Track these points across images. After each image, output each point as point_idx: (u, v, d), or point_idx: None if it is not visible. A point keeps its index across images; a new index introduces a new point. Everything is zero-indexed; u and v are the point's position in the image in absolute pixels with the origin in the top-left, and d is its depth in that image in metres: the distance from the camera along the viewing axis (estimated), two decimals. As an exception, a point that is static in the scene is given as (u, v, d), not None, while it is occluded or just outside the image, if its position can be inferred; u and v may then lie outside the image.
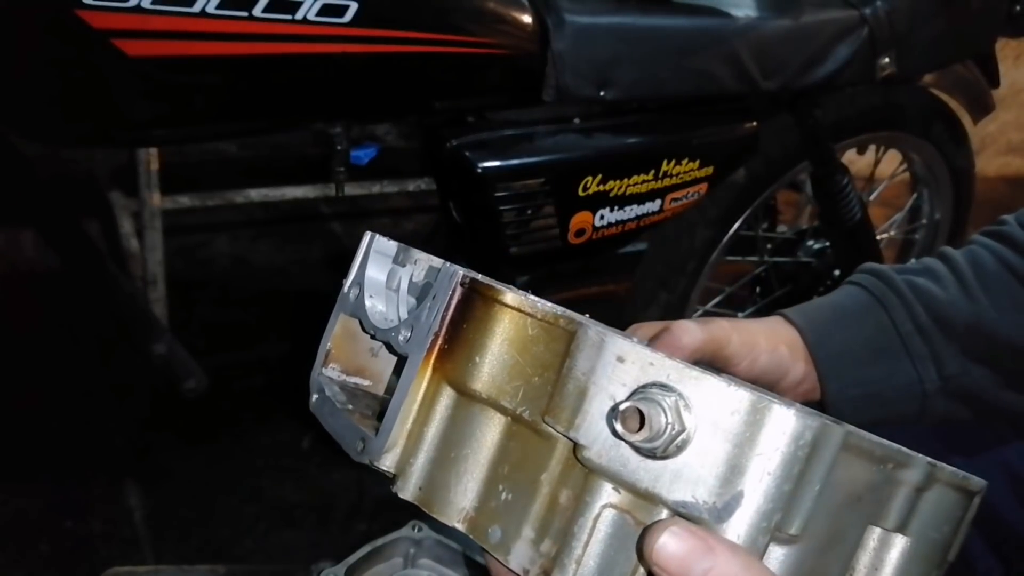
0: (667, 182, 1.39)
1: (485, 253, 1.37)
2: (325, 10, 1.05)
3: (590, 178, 1.31)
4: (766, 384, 0.65)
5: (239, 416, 1.95)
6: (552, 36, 1.24)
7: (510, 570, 0.39)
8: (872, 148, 1.89)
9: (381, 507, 1.66)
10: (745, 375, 0.63)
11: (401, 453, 0.43)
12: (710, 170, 1.44)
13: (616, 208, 1.36)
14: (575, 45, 1.26)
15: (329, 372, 0.51)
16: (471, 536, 0.40)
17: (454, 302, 0.42)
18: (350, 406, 0.50)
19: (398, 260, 0.49)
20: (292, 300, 2.40)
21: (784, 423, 0.33)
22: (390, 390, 0.51)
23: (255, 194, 2.41)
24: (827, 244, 1.89)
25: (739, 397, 0.34)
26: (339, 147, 1.26)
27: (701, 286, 1.69)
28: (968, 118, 1.95)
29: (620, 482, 0.36)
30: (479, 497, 0.41)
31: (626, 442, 0.35)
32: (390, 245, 0.49)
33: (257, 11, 1.01)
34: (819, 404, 0.69)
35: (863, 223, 1.72)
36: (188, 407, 1.41)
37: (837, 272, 1.86)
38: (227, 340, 2.15)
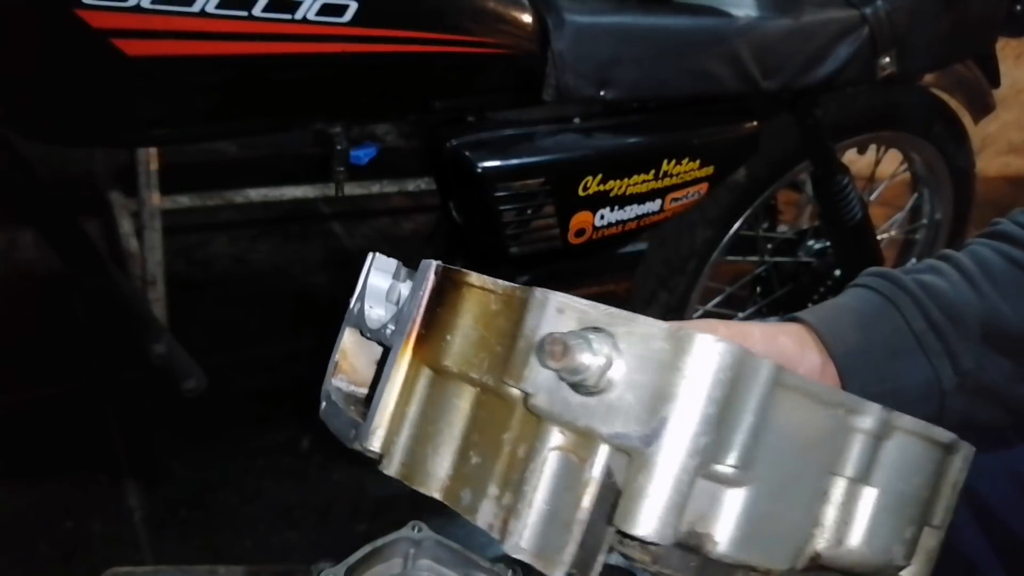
0: (667, 182, 1.39)
1: (485, 253, 1.37)
2: (325, 9, 1.05)
3: (590, 178, 1.31)
4: None
5: (239, 416, 1.94)
6: (552, 36, 1.24)
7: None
8: (873, 148, 1.89)
9: (381, 507, 1.66)
10: None
11: (386, 434, 0.46)
12: (710, 170, 1.44)
13: (616, 208, 1.36)
14: (575, 45, 1.26)
15: (337, 382, 0.55)
16: (447, 503, 0.43)
17: (429, 290, 0.46)
18: (352, 409, 0.53)
19: (398, 276, 0.53)
20: (292, 300, 2.40)
21: (704, 349, 0.35)
22: None
23: (255, 194, 2.41)
24: (828, 244, 1.89)
25: (661, 327, 0.36)
26: (339, 147, 1.26)
27: (701, 286, 1.69)
28: (969, 118, 1.95)
29: (563, 423, 0.38)
30: (453, 465, 0.43)
31: (552, 370, 0.37)
32: (390, 262, 0.54)
33: (257, 11, 1.01)
34: None
35: (864, 223, 1.72)
36: (188, 407, 1.41)
37: (838, 272, 1.86)
38: (227, 340, 2.15)
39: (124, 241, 2.09)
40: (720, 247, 1.66)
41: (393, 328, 0.50)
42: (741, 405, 0.35)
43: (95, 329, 2.09)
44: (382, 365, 0.50)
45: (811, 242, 1.93)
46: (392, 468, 0.46)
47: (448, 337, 0.44)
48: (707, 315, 1.81)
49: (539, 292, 0.40)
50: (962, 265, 0.71)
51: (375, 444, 0.46)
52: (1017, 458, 0.82)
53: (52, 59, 1.00)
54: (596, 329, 0.37)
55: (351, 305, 0.54)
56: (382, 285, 0.53)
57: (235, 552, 1.62)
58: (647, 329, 0.36)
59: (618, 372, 0.36)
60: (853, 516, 0.40)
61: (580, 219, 1.34)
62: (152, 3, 0.96)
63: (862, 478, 0.40)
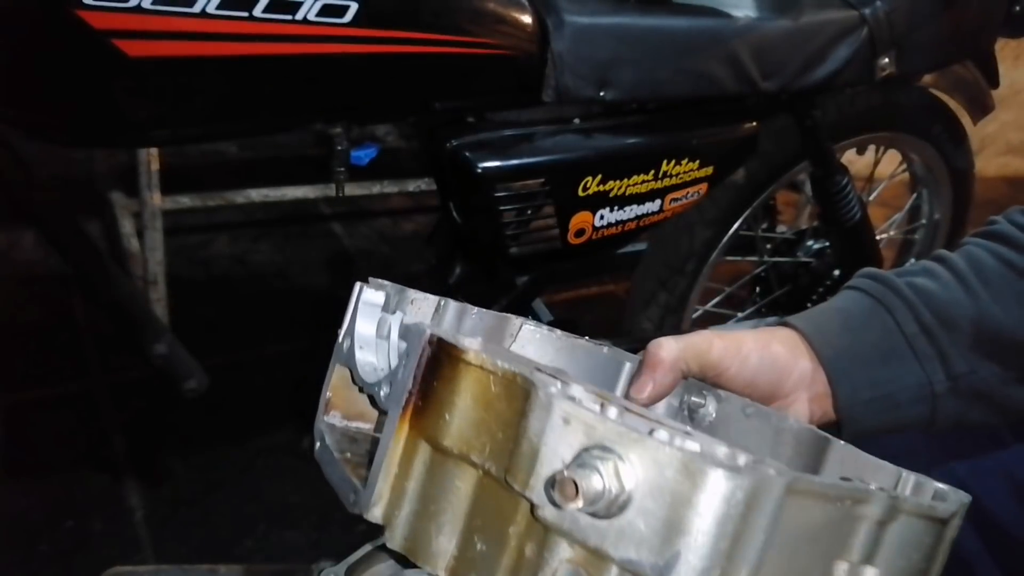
0: (667, 182, 1.40)
1: (485, 253, 1.38)
2: (325, 10, 1.05)
3: (590, 178, 1.31)
4: (764, 385, 0.64)
5: (239, 416, 1.95)
6: (552, 36, 1.24)
7: None
8: (872, 148, 1.89)
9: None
10: (737, 378, 0.62)
11: (387, 506, 0.45)
12: (710, 170, 1.44)
13: (616, 208, 1.36)
14: (575, 45, 1.26)
15: (330, 419, 0.53)
16: None
17: (423, 361, 0.44)
18: (348, 453, 0.52)
19: (387, 308, 0.52)
20: (292, 300, 2.40)
21: (716, 483, 0.34)
22: None
23: (255, 194, 2.41)
24: (827, 244, 1.89)
25: (673, 458, 0.35)
26: (339, 147, 1.26)
27: (701, 286, 1.70)
28: (968, 118, 1.95)
29: (572, 539, 0.37)
30: (458, 547, 0.43)
31: (563, 509, 0.36)
32: (378, 293, 0.52)
33: (257, 11, 1.01)
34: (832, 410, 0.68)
35: (863, 223, 1.72)
36: (188, 407, 1.41)
37: (837, 272, 1.86)
38: (227, 340, 2.15)
39: (125, 241, 2.09)
40: (719, 247, 1.66)
41: (388, 391, 0.47)
42: (753, 528, 0.35)
43: (95, 329, 2.09)
44: (378, 422, 0.49)
45: (810, 242, 1.93)
46: (395, 542, 0.45)
47: (447, 416, 0.43)
48: (706, 315, 1.81)
49: (542, 392, 0.38)
50: (956, 267, 0.70)
51: (376, 516, 0.46)
52: (1013, 459, 0.82)
53: (53, 59, 1.00)
54: (604, 448, 0.36)
55: (340, 339, 0.52)
56: (371, 321, 0.51)
57: (235, 552, 1.62)
58: (660, 456, 0.36)
59: (630, 497, 0.36)
60: None
61: (580, 219, 1.34)
62: (153, 4, 0.96)
63: (865, 560, 0.40)
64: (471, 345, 0.43)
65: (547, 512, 0.38)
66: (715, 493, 0.34)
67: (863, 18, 1.48)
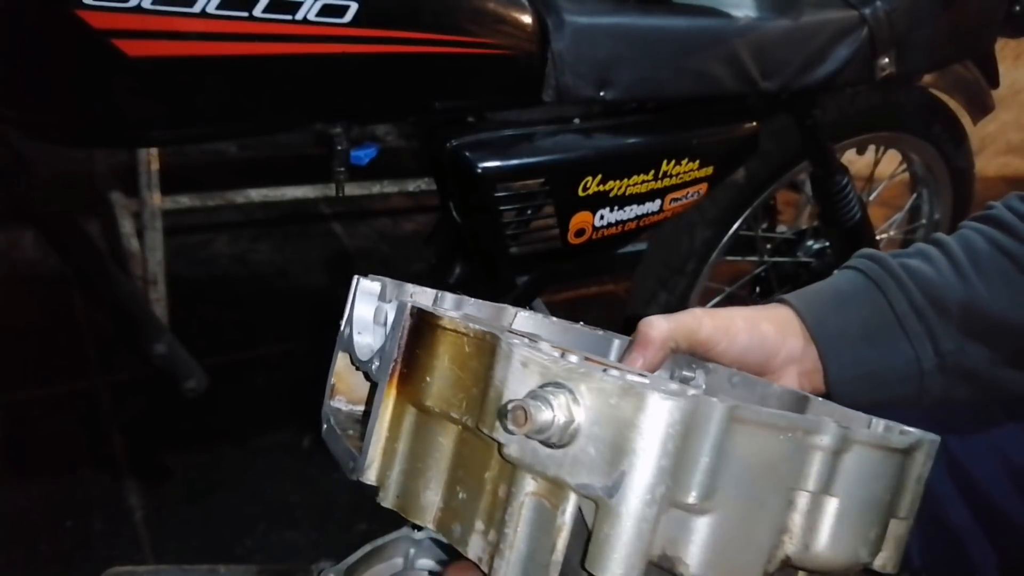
0: (667, 182, 1.40)
1: (485, 253, 1.38)
2: (325, 10, 1.05)
3: (590, 178, 1.31)
4: (753, 363, 0.65)
5: (239, 416, 1.95)
6: (552, 36, 1.24)
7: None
8: (872, 148, 1.89)
9: (381, 507, 1.66)
10: (725, 355, 0.64)
11: (379, 468, 0.49)
12: (710, 170, 1.44)
13: (616, 208, 1.36)
14: (575, 45, 1.26)
15: (335, 403, 0.58)
16: (440, 534, 0.46)
17: (406, 331, 0.48)
18: (350, 431, 0.56)
19: (383, 297, 0.56)
20: (292, 300, 2.40)
21: (654, 405, 0.37)
22: None
23: (255, 194, 2.42)
24: (827, 244, 1.90)
25: (617, 386, 0.38)
26: (339, 147, 1.26)
27: (701, 286, 1.70)
28: (968, 118, 1.96)
29: (535, 472, 0.41)
30: (443, 499, 0.46)
31: (515, 435, 0.40)
32: (374, 285, 0.56)
33: (257, 11, 1.02)
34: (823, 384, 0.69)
35: (863, 223, 1.72)
36: (188, 407, 1.41)
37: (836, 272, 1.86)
38: (227, 340, 2.15)
39: (125, 241, 2.09)
40: (719, 247, 1.66)
41: (378, 364, 0.51)
42: (697, 449, 0.38)
43: (95, 329, 2.09)
44: (372, 397, 0.52)
45: (810, 242, 1.93)
46: (388, 500, 0.49)
47: (428, 378, 0.46)
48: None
49: (504, 343, 0.42)
50: (949, 250, 0.72)
51: (371, 478, 0.49)
52: (1003, 436, 0.84)
53: (53, 59, 1.00)
54: (556, 384, 0.39)
55: (342, 328, 0.56)
56: (368, 309, 0.56)
57: (236, 552, 1.62)
58: (603, 384, 0.38)
59: (580, 426, 0.39)
60: (817, 525, 0.42)
61: (580, 219, 1.34)
62: (153, 4, 0.96)
63: (823, 490, 0.42)
64: (447, 312, 0.47)
65: (511, 449, 0.41)
66: (654, 414, 0.37)
67: (863, 18, 1.48)
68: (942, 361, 0.69)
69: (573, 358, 0.41)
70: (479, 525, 0.43)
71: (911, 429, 0.49)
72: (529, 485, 0.41)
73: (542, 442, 0.39)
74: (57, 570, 1.56)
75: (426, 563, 0.62)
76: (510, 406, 0.39)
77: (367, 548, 0.60)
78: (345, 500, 1.71)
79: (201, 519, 1.69)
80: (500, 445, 0.41)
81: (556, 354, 0.41)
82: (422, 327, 0.47)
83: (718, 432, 0.38)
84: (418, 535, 0.61)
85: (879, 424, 0.52)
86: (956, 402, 0.72)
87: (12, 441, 1.73)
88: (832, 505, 0.42)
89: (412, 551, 0.61)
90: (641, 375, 0.41)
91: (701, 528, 0.39)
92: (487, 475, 0.44)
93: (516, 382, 0.41)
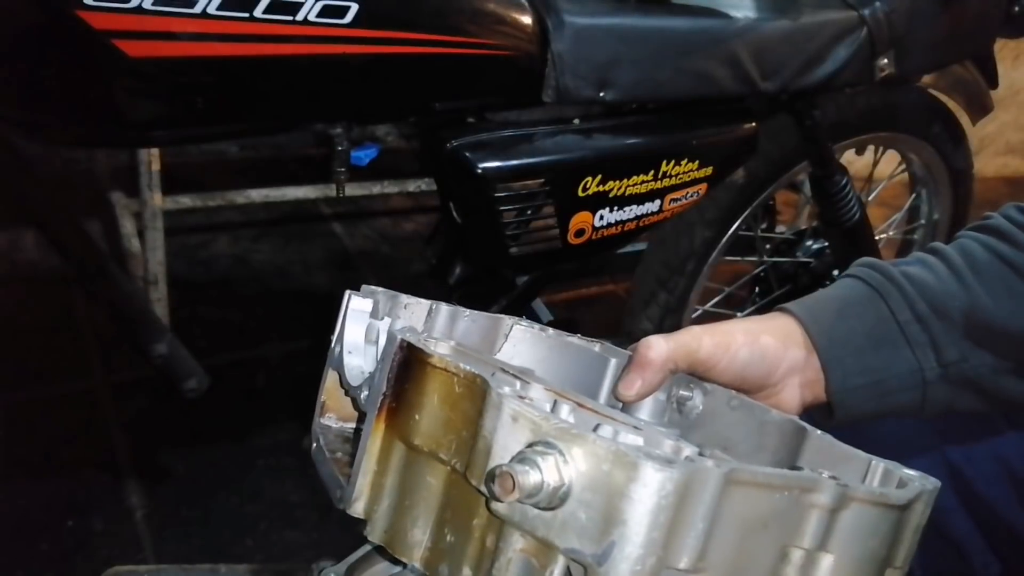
0: (667, 182, 1.40)
1: (485, 253, 1.38)
2: (326, 11, 1.05)
3: (590, 178, 1.32)
4: (754, 377, 0.65)
5: (239, 416, 1.95)
6: (552, 37, 1.24)
7: None
8: (871, 149, 1.90)
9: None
10: (726, 372, 0.63)
11: (367, 501, 0.48)
12: (710, 170, 1.44)
13: (616, 208, 1.36)
14: (575, 46, 1.26)
15: (326, 421, 0.57)
16: (427, 574, 0.45)
17: (395, 365, 0.47)
18: (340, 453, 0.55)
19: (375, 314, 0.55)
20: (292, 300, 2.41)
21: (647, 475, 0.36)
22: None
23: (256, 194, 2.42)
24: (826, 244, 1.90)
25: (609, 452, 0.37)
26: (340, 148, 1.26)
27: (700, 286, 1.70)
28: (967, 119, 1.96)
29: (523, 530, 0.40)
30: (431, 539, 0.45)
31: (503, 502, 0.38)
32: (367, 301, 0.55)
33: (258, 12, 1.02)
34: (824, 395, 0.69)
35: (862, 223, 1.72)
36: (188, 407, 1.42)
37: (836, 272, 1.86)
38: (227, 340, 2.16)
39: (126, 241, 2.09)
40: (719, 248, 1.66)
41: (367, 395, 0.50)
42: (691, 517, 0.37)
43: (95, 329, 2.09)
44: (362, 419, 0.51)
45: (809, 242, 1.94)
46: (376, 535, 0.48)
47: (417, 416, 0.45)
48: (706, 315, 1.81)
49: (494, 392, 0.40)
50: (949, 259, 0.72)
51: (358, 511, 0.48)
52: (1004, 445, 0.83)
53: (53, 60, 1.00)
54: (547, 444, 0.38)
55: (332, 345, 0.55)
56: (359, 328, 0.54)
57: (236, 551, 1.62)
58: (595, 449, 0.37)
59: (571, 488, 0.38)
60: None
61: (580, 219, 1.34)
62: (154, 4, 0.96)
63: (819, 547, 0.41)
64: (437, 349, 0.46)
65: (499, 505, 0.40)
66: (647, 485, 0.36)
67: (862, 18, 1.49)
68: (945, 371, 0.68)
69: (565, 409, 0.40)
70: (467, 571, 0.43)
71: (912, 473, 0.48)
72: (518, 542, 0.40)
73: (532, 504, 0.38)
74: (58, 570, 1.56)
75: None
76: (497, 472, 0.37)
77: (367, 548, 0.60)
78: (345, 500, 1.71)
79: (201, 519, 1.70)
80: (488, 500, 0.41)
81: (547, 406, 0.41)
82: (412, 362, 0.46)
83: (713, 498, 0.37)
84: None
85: (879, 467, 0.50)
86: (959, 412, 0.72)
87: (12, 441, 1.73)
88: (827, 561, 0.42)
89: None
90: (636, 428, 0.39)
91: None
92: (475, 522, 0.43)
93: (505, 436, 0.40)
